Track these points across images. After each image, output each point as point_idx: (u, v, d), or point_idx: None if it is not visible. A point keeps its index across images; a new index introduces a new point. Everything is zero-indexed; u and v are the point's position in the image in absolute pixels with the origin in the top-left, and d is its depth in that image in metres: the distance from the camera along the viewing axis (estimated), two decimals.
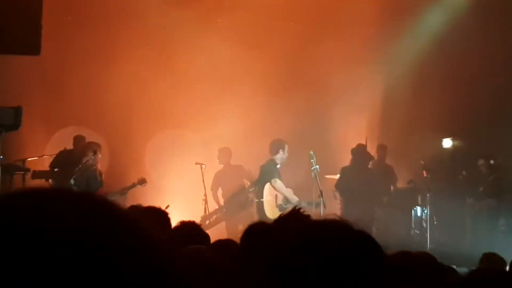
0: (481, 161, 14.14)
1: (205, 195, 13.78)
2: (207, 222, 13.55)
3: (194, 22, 14.78)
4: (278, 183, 12.87)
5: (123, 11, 14.77)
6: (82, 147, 12.87)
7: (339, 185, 13.45)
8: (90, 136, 13.31)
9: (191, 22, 14.77)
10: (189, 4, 14.90)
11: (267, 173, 12.95)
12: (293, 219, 3.41)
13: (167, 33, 14.94)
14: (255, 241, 3.48)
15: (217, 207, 14.11)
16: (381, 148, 14.37)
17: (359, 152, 13.51)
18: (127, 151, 14.62)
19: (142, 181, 12.68)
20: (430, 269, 3.53)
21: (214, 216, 13.95)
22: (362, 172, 13.28)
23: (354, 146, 13.88)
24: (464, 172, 14.76)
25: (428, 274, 3.42)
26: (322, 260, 1.79)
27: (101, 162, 12.93)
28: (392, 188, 14.24)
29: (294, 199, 12.83)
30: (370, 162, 13.76)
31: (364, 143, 13.85)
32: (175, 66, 14.95)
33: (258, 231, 3.62)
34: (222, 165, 14.22)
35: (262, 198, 12.81)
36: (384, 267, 1.89)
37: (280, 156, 13.08)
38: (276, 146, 13.12)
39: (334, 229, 1.90)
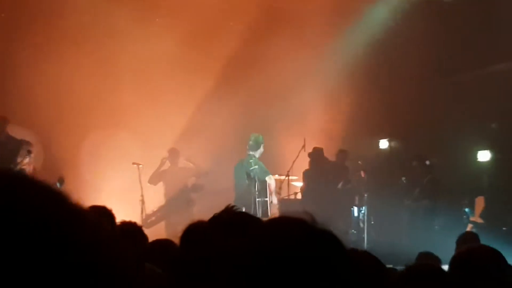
0: (414, 162, 14.31)
1: (142, 195, 13.68)
2: (148, 221, 13.52)
3: (133, 22, 14.59)
4: (273, 180, 13.09)
5: (58, 7, 14.52)
6: (7, 137, 12.61)
7: (305, 190, 13.66)
8: (25, 134, 13.05)
9: (130, 21, 14.58)
10: (127, 2, 14.71)
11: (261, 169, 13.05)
12: (231, 218, 3.37)
13: (105, 32, 14.73)
14: (195, 241, 3.43)
15: (155, 206, 14.05)
16: (341, 153, 14.48)
17: (316, 155, 13.72)
18: (62, 150, 14.36)
19: (61, 180, 12.33)
20: (373, 267, 3.53)
21: (154, 217, 13.88)
22: (321, 174, 13.48)
23: (292, 147, 13.95)
24: (403, 178, 14.92)
25: (372, 273, 3.42)
26: (283, 262, 1.72)
27: (34, 161, 12.68)
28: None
29: (275, 198, 13.03)
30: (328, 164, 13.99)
31: (303, 144, 13.92)
32: (113, 65, 14.76)
33: (198, 231, 3.56)
34: (169, 165, 14.24)
35: (266, 197, 12.86)
36: (349, 265, 1.83)
37: (260, 151, 13.15)
38: (257, 142, 13.16)
39: (295, 228, 1.82)
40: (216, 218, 3.42)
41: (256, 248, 1.79)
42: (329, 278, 1.74)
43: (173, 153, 14.31)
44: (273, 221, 1.95)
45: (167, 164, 14.36)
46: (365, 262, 3.29)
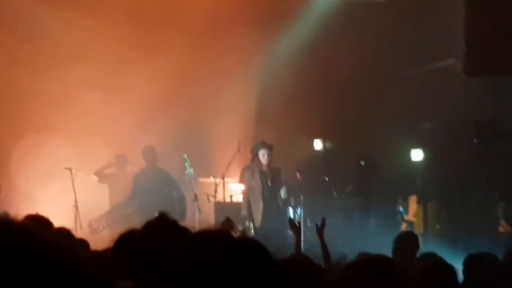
0: (359, 162, 14.36)
1: (76, 201, 13.47)
2: (93, 227, 13.43)
3: (69, 22, 14.33)
4: None
5: None
6: None
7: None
8: None
9: (66, 21, 14.32)
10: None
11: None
12: (164, 225, 3.33)
13: (38, 34, 14.46)
14: (127, 250, 3.36)
15: (97, 212, 13.95)
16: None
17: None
18: None
19: None
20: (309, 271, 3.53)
21: (99, 222, 13.71)
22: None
23: (227, 148, 13.93)
24: (326, 178, 15.01)
25: (308, 276, 3.41)
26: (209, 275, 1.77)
27: None
28: None
29: None
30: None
31: (237, 146, 13.89)
32: (43, 69, 14.50)
33: (130, 240, 3.49)
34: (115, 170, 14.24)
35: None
36: (275, 272, 1.86)
37: None
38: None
39: (219, 243, 1.88)
40: (149, 226, 3.38)
41: (186, 262, 1.86)
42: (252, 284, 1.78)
43: (121, 159, 14.29)
44: (201, 234, 2.04)
45: (113, 168, 14.33)
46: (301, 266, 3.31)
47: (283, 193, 12.79)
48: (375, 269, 3.13)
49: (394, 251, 7.15)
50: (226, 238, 1.93)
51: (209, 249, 1.87)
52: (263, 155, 13.01)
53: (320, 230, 6.95)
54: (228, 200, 14.00)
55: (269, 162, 13.09)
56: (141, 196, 13.12)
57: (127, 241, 3.46)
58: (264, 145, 13.11)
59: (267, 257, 1.92)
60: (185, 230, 3.29)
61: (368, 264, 3.27)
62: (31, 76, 14.39)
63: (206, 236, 1.98)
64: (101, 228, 13.46)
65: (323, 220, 7.20)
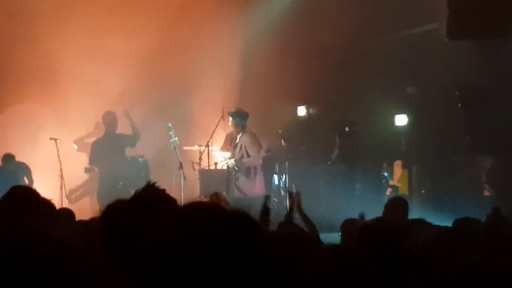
0: (343, 128, 14.37)
1: (61, 170, 13.46)
2: (72, 196, 13.44)
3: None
4: None
5: None
6: None
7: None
8: None
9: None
10: None
11: None
12: (152, 196, 3.31)
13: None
14: (115, 221, 3.34)
15: (78, 181, 13.93)
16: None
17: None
18: None
19: None
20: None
21: (78, 191, 13.71)
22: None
23: (211, 116, 13.91)
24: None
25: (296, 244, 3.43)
26: (198, 254, 1.81)
27: None
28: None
29: None
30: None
31: (222, 113, 13.86)
32: (26, 37, 14.40)
33: (118, 210, 3.47)
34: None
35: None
36: (262, 244, 1.89)
37: None
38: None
39: (209, 219, 1.89)
40: (137, 196, 3.35)
41: (178, 233, 1.89)
42: (242, 259, 1.85)
43: (100, 128, 14.20)
44: (192, 206, 2.03)
45: (93, 137, 14.26)
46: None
47: (229, 163, 12.90)
48: (386, 234, 3.13)
49: (385, 216, 7.14)
50: (216, 211, 1.92)
51: (199, 223, 1.87)
52: (229, 123, 13.18)
53: (298, 206, 6.93)
54: (212, 167, 13.99)
55: (235, 128, 13.09)
56: (101, 164, 13.00)
57: (115, 212, 3.44)
58: (231, 112, 13.20)
59: (255, 231, 1.94)
60: (174, 201, 3.28)
61: (380, 227, 3.25)
62: (15, 46, 14.31)
63: (196, 209, 1.98)
64: (78, 198, 13.51)
65: (297, 194, 7.17)
